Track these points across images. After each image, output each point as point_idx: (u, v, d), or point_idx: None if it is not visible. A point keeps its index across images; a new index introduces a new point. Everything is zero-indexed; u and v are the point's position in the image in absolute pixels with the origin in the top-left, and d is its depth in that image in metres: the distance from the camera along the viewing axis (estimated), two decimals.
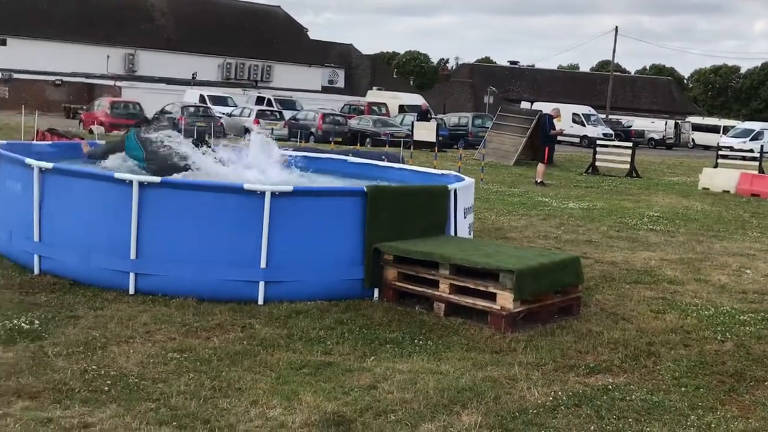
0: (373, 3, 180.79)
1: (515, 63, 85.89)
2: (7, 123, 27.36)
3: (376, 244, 6.80)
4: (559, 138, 25.41)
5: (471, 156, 27.07)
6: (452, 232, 7.63)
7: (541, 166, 19.78)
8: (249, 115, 35.42)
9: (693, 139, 55.65)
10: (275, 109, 38.51)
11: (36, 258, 6.95)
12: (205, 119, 32.67)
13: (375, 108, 44.69)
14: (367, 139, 34.30)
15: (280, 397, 4.63)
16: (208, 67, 58.72)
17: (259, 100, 43.14)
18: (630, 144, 25.15)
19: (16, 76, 49.48)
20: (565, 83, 79.81)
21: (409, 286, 6.76)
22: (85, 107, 38.29)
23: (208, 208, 6.55)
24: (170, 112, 34.48)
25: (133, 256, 6.52)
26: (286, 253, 6.59)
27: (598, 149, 24.76)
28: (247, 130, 34.52)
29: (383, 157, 18.78)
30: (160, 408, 4.37)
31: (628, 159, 23.85)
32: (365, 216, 6.79)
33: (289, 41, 64.40)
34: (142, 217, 6.51)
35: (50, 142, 9.81)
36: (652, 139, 53.75)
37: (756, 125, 50.49)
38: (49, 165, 6.89)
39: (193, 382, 4.79)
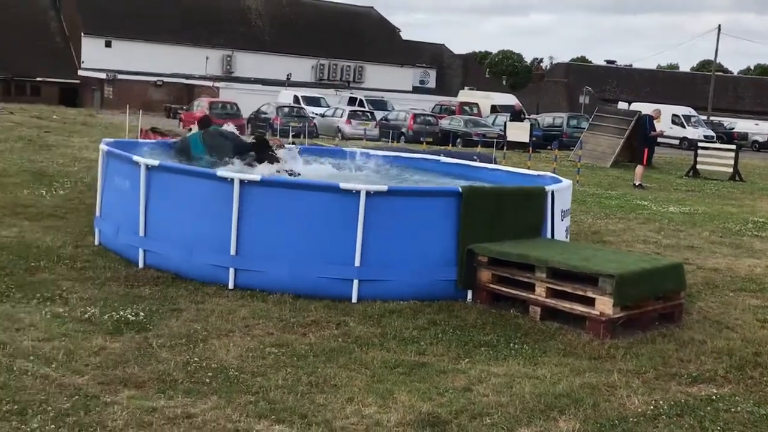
0: (466, 3, 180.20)
1: (612, 62, 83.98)
2: (112, 122, 28.50)
3: (470, 245, 6.75)
4: (659, 140, 24.68)
5: (566, 157, 26.61)
6: (548, 235, 7.51)
7: (639, 168, 19.27)
8: (341, 116, 35.84)
9: None
10: (366, 109, 38.82)
11: (141, 252, 7.20)
12: (299, 119, 33.23)
13: (466, 108, 44.49)
14: (458, 140, 34.17)
15: (375, 396, 4.66)
16: (302, 68, 59.76)
17: (351, 101, 43.63)
18: (733, 146, 24.17)
19: (119, 77, 51.52)
20: (664, 83, 77.54)
21: (504, 289, 6.69)
22: (184, 107, 39.51)
23: (304, 206, 6.64)
24: (266, 113, 35.24)
25: (233, 252, 6.68)
26: (380, 252, 6.62)
27: (700, 151, 23.91)
28: (338, 131, 35.14)
29: (475, 157, 18.69)
30: (259, 401, 4.46)
31: (731, 162, 22.96)
32: (460, 217, 6.76)
33: (381, 42, 64.87)
34: (242, 215, 6.65)
35: (154, 140, 10.15)
36: (756, 142, 51.58)
37: None
38: (155, 162, 7.13)
39: (291, 377, 4.86)
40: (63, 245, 7.78)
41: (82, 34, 53.61)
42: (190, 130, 25.59)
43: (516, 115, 31.13)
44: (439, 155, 16.48)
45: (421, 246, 6.73)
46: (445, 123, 36.45)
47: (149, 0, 56.79)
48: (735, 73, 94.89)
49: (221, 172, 6.80)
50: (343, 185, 6.60)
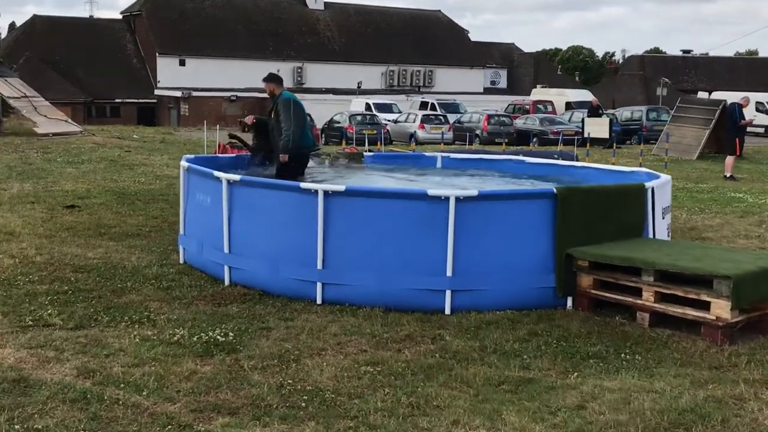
0: (534, 0, 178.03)
1: (688, 52, 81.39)
2: (189, 139, 28.93)
3: (568, 249, 6.36)
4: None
5: (650, 151, 25.72)
6: (650, 235, 7.05)
7: (730, 159, 18.38)
8: (414, 121, 35.55)
9: None
10: (439, 113, 38.41)
11: (226, 269, 7.05)
12: (372, 126, 33.09)
13: (540, 106, 43.65)
14: (534, 139, 33.50)
15: (482, 417, 4.34)
16: (372, 75, 59.80)
17: (423, 105, 43.28)
18: None
19: (194, 94, 52.51)
20: (744, 70, 74.69)
21: (607, 295, 6.27)
22: None
23: (391, 215, 6.37)
24: (339, 122, 35.26)
25: (319, 266, 6.46)
26: (473, 261, 6.30)
27: None
28: (412, 136, 34.87)
29: (556, 156, 18.15)
30: (360, 426, 4.20)
31: None
32: (556, 219, 6.38)
33: (450, 45, 64.40)
34: (327, 227, 6.43)
35: (233, 155, 10.06)
36: None
37: None
38: (237, 177, 6.98)
39: (390, 398, 4.59)
40: (148, 265, 7.70)
41: (157, 54, 54.87)
42: None
43: (594, 111, 30.22)
44: (519, 156, 16.07)
45: (515, 252, 6.38)
46: (519, 122, 35.77)
47: (219, 17, 57.78)
48: None
49: (305, 184, 6.58)
50: (431, 192, 6.31)
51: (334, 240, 6.44)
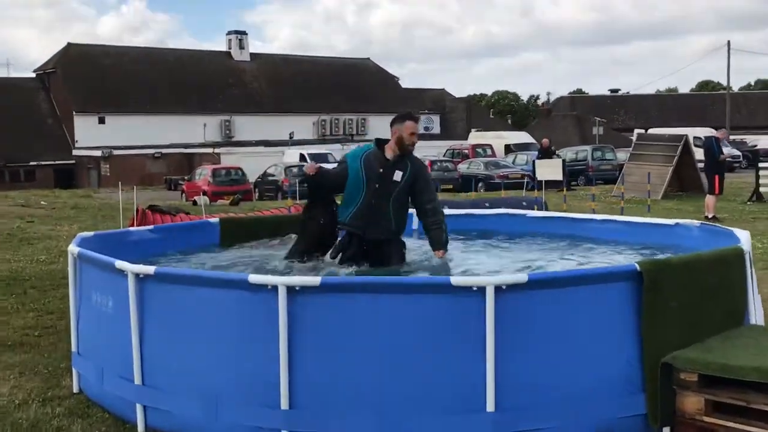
0: (456, 48, 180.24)
1: (616, 91, 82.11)
2: (108, 201, 26.13)
3: (663, 356, 4.19)
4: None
5: (608, 193, 24.13)
6: (753, 320, 4.94)
7: (711, 198, 16.78)
8: None
9: None
10: None
11: (139, 409, 4.64)
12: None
13: (479, 150, 42.15)
14: (480, 184, 31.79)
15: None
16: (303, 125, 57.85)
17: None
18: None
19: (115, 152, 49.46)
20: (672, 107, 75.45)
21: (731, 425, 4.10)
22: (186, 177, 37.24)
23: (394, 317, 4.11)
24: (273, 174, 32.94)
25: (284, 405, 4.13)
26: (524, 385, 4.07)
27: (762, 173, 21.41)
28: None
29: (523, 203, 16.15)
30: None
31: None
32: (643, 310, 4.21)
33: (381, 92, 63.10)
34: (294, 341, 4.13)
35: (153, 226, 7.62)
36: None
37: None
38: (150, 269, 4.60)
39: None
40: (25, 402, 5.20)
41: (74, 112, 51.75)
42: (195, 203, 23.11)
43: (545, 152, 28.63)
44: (485, 205, 14.04)
45: (585, 366, 4.18)
46: (463, 167, 34.11)
47: (139, 71, 55.10)
48: (736, 90, 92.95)
49: (255, 277, 4.25)
50: (456, 281, 4.06)
51: (306, 361, 4.15)
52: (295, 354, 4.16)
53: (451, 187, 30.80)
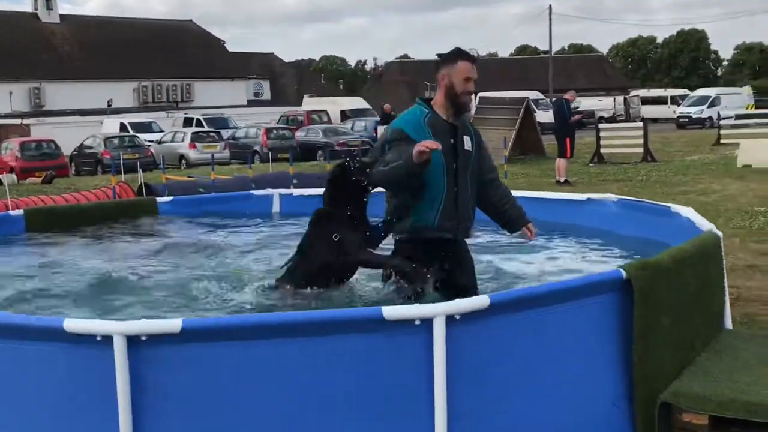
0: (279, 12, 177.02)
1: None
2: None
3: (659, 390, 3.10)
4: None
5: None
6: (728, 322, 3.98)
7: (562, 162, 16.38)
8: (182, 140, 31.08)
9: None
10: (210, 130, 34.13)
11: None
12: (134, 150, 28.23)
13: (315, 117, 40.75)
14: (319, 152, 30.45)
15: None
16: (123, 92, 53.82)
17: (187, 122, 38.70)
18: (640, 124, 21.95)
19: None
20: (496, 71, 77.24)
21: None
22: None
23: (301, 369, 2.73)
24: (91, 147, 29.98)
25: None
26: None
27: (602, 134, 21.52)
28: (182, 158, 30.44)
29: None
30: None
31: (640, 142, 20.74)
32: (634, 331, 3.09)
33: (207, 56, 59.96)
34: (141, 408, 2.67)
35: None
36: (602, 117, 51.28)
37: (711, 91, 48.81)
38: None
39: None
40: None
41: None
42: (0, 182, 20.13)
43: (387, 118, 27.69)
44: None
45: (558, 407, 3.00)
46: (301, 135, 32.60)
47: None
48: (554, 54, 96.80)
49: (73, 322, 2.71)
50: (389, 312, 2.72)
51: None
52: (141, 420, 2.70)
53: (287, 156, 29.29)
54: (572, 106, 56.15)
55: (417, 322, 2.68)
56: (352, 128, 34.33)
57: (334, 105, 44.58)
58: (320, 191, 6.75)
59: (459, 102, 4.22)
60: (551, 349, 2.99)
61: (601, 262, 5.10)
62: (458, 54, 4.22)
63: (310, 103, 47.34)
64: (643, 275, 3.09)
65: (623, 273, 3.07)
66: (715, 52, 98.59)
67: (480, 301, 2.77)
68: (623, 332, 3.10)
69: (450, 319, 2.68)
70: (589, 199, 5.78)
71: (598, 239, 5.60)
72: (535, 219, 4.75)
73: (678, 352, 3.27)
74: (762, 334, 4.03)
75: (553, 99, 20.45)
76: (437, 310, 2.67)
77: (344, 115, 41.85)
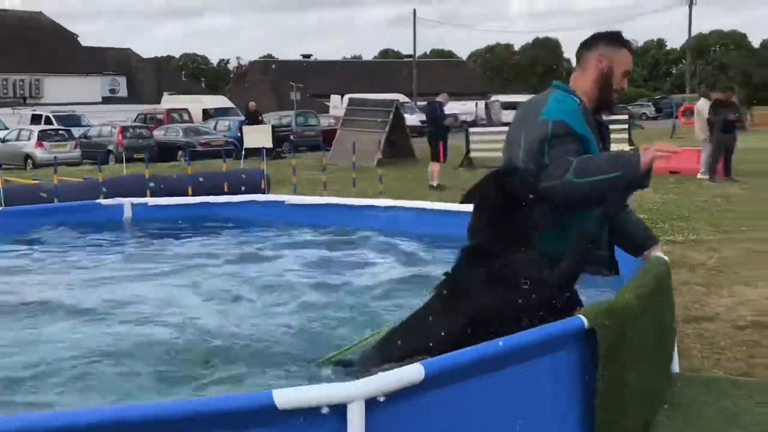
0: (136, 8, 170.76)
1: (308, 56, 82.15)
2: None
3: None
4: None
5: (318, 161, 22.73)
6: (675, 364, 3.39)
7: (436, 166, 15.98)
8: (29, 138, 28.71)
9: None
10: (59, 127, 31.73)
11: None
12: None
13: (175, 115, 38.90)
14: (179, 152, 28.88)
15: None
16: None
17: (35, 119, 35.96)
18: (506, 129, 21.85)
19: None
20: (361, 74, 77.17)
21: None
22: None
23: None
24: None
25: None
26: None
27: (472, 138, 21.33)
28: (28, 157, 28.06)
29: (243, 176, 14.21)
30: None
31: None
32: (597, 395, 2.39)
33: (59, 50, 56.36)
34: None
35: None
36: (465, 121, 52.05)
37: None
38: None
39: None
40: None
41: None
42: None
43: (252, 118, 26.55)
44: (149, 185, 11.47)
45: None
46: (159, 134, 30.91)
47: None
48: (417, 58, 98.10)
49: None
50: (283, 397, 1.88)
51: None
52: None
53: (142, 157, 27.60)
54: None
55: (325, 411, 1.87)
56: (215, 128, 32.95)
57: (196, 103, 42.81)
58: (183, 200, 5.81)
59: (609, 97, 3.42)
60: (503, 423, 2.25)
61: None
62: (624, 40, 3.42)
63: (170, 101, 45.25)
64: (607, 323, 2.41)
65: (584, 321, 2.38)
66: (568, 60, 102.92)
67: (411, 373, 1.99)
68: (584, 392, 2.42)
69: (371, 403, 1.89)
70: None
71: None
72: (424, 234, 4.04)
73: (643, 408, 2.63)
74: (712, 377, 3.48)
75: (426, 102, 20.00)
76: (353, 391, 1.87)
77: (207, 114, 40.22)
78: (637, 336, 2.57)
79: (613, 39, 3.41)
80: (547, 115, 3.24)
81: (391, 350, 3.08)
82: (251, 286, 4.62)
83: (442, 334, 2.93)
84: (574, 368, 2.42)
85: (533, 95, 3.53)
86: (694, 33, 60.48)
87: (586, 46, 3.44)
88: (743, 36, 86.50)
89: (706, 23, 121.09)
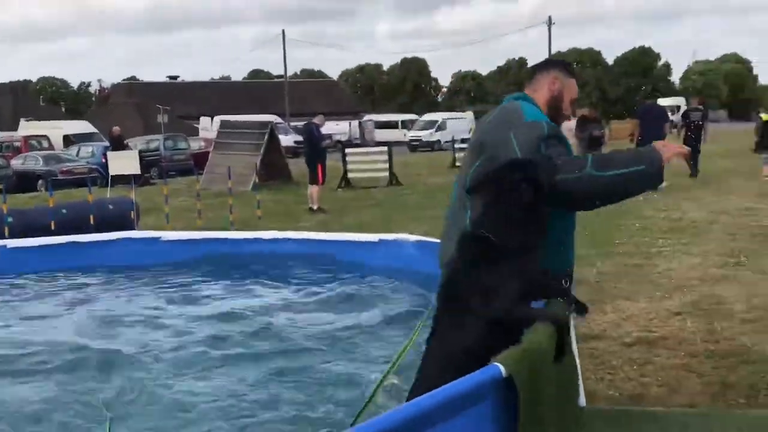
0: None
1: (175, 78, 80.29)
2: None
3: None
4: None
5: (190, 186, 22.05)
6: (582, 398, 3.33)
7: (315, 188, 15.74)
8: None
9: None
10: None
11: None
12: None
13: (34, 142, 36.92)
14: (40, 182, 27.39)
15: None
16: None
17: None
18: (385, 149, 21.97)
19: None
20: (231, 94, 76.09)
21: None
22: None
23: None
24: None
25: None
26: None
27: (349, 158, 21.27)
28: None
29: (110, 206, 13.57)
30: None
31: (385, 166, 20.78)
32: None
33: None
34: None
35: None
36: (339, 141, 52.25)
37: (437, 116, 51.79)
38: None
39: None
40: None
41: None
42: None
43: (117, 143, 25.47)
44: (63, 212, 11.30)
45: None
46: (17, 163, 29.22)
47: None
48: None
49: None
50: None
51: None
52: None
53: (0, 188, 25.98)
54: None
55: None
56: (77, 154, 31.42)
57: (56, 129, 40.78)
58: (46, 240, 5.35)
59: (558, 120, 3.43)
60: None
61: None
62: (574, 71, 3.59)
63: (27, 128, 42.98)
64: (520, 369, 2.27)
65: (501, 369, 2.24)
66: (435, 80, 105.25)
67: None
68: None
69: None
70: (381, 240, 5.00)
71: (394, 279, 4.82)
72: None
73: None
74: (622, 409, 3.43)
75: (304, 123, 19.78)
76: None
77: (68, 140, 38.36)
78: (548, 373, 2.47)
79: (565, 67, 3.57)
80: (533, 117, 3.23)
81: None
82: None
83: (462, 355, 2.65)
84: (498, 419, 2.27)
85: (491, 109, 3.55)
86: (553, 51, 63.11)
87: (539, 68, 3.53)
88: (598, 53, 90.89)
89: (564, 42, 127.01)
